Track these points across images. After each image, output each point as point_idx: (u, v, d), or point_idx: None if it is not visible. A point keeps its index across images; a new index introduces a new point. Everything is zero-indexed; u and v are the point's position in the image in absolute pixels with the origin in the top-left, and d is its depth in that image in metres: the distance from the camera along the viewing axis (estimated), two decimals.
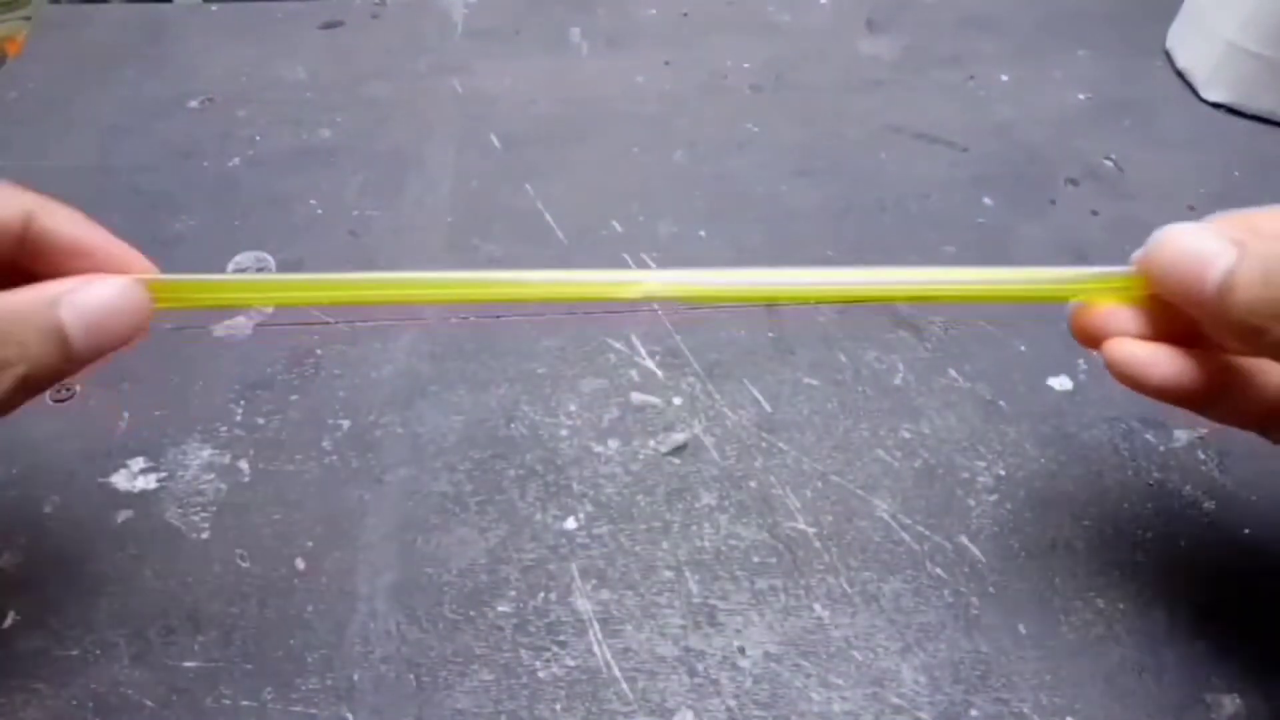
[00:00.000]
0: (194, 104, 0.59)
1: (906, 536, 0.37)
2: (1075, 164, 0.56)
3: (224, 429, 0.41)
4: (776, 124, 0.59)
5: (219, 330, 0.45)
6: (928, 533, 0.37)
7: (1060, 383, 0.43)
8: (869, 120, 0.59)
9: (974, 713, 0.32)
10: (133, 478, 0.39)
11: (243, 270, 0.48)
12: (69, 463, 0.39)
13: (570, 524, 0.37)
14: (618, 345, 0.44)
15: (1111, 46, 0.65)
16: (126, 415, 0.41)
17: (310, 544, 0.37)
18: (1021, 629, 0.34)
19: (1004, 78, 0.63)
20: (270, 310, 0.46)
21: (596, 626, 0.34)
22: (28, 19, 0.72)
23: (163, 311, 0.28)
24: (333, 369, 0.43)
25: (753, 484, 0.39)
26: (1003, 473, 0.39)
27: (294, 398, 0.42)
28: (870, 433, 0.41)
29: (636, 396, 0.42)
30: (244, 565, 0.36)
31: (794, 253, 0.49)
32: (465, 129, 0.58)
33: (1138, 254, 0.28)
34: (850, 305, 0.46)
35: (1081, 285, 0.32)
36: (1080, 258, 0.49)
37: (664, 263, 0.48)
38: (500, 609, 0.35)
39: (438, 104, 0.60)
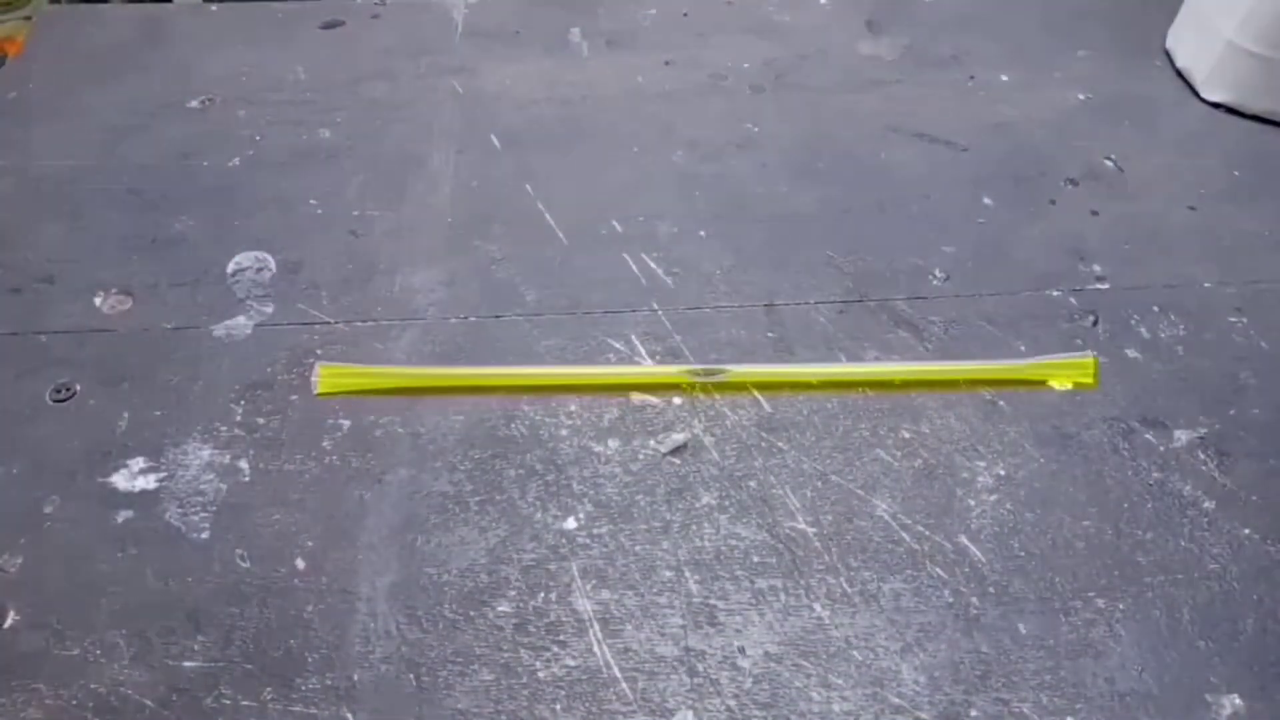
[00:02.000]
0: (194, 104, 0.59)
1: (906, 536, 0.37)
2: (1075, 164, 0.55)
3: (224, 429, 0.41)
4: (776, 124, 0.59)
5: (219, 330, 0.45)
6: (928, 533, 0.37)
7: (1060, 382, 0.43)
8: (869, 120, 0.59)
9: (974, 713, 0.32)
10: (133, 478, 0.39)
11: (243, 270, 0.48)
12: (69, 463, 0.39)
13: (570, 524, 0.37)
14: (618, 345, 0.44)
15: (1111, 46, 0.65)
16: (126, 415, 0.41)
17: (310, 544, 0.37)
18: (1021, 629, 0.34)
19: (1004, 78, 0.63)
20: (270, 310, 0.46)
21: (596, 626, 0.34)
22: (28, 19, 0.72)
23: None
24: None
25: (753, 484, 0.39)
26: (1003, 473, 0.39)
27: (294, 398, 0.42)
28: (870, 433, 0.41)
29: (636, 397, 0.42)
30: (244, 565, 0.36)
31: (794, 253, 0.49)
32: (465, 129, 0.58)
33: None
34: (850, 305, 0.47)
35: (1040, 370, 0.41)
36: (1080, 258, 0.49)
37: (664, 263, 0.48)
38: (500, 609, 0.35)
39: (438, 104, 0.60)
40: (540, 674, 0.33)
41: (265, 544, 0.36)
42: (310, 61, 0.63)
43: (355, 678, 0.33)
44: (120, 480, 0.39)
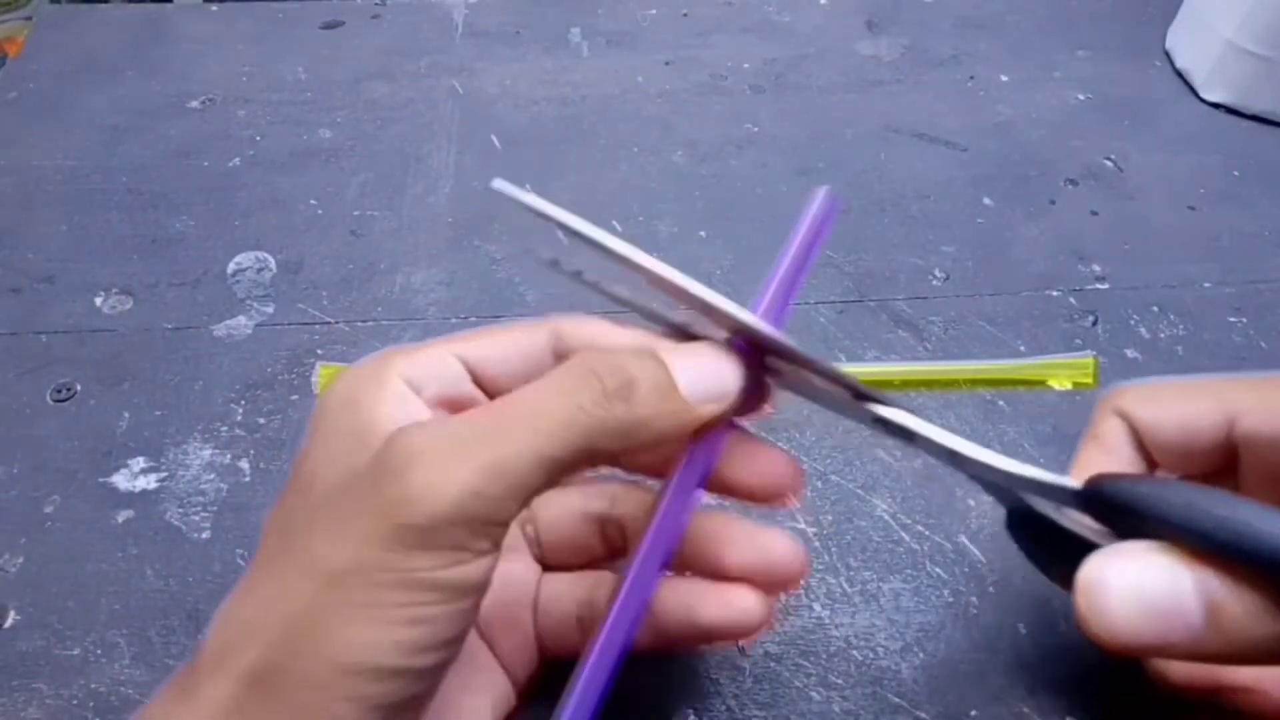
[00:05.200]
0: (194, 104, 0.59)
1: (906, 536, 0.37)
2: (1075, 164, 0.56)
3: (224, 429, 0.41)
4: (776, 124, 0.59)
5: (219, 330, 0.45)
6: (927, 533, 0.37)
7: (1059, 382, 0.43)
8: (869, 120, 0.59)
9: (973, 713, 0.32)
10: (133, 478, 0.39)
11: (243, 270, 0.48)
12: (69, 463, 0.39)
13: None
14: None
15: (1111, 46, 0.65)
16: (126, 415, 0.41)
17: None
18: (1021, 629, 0.34)
19: (1004, 78, 0.63)
20: (270, 310, 0.46)
21: None
22: (28, 19, 0.72)
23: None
24: None
25: None
26: None
27: (294, 398, 0.42)
28: (870, 432, 0.41)
29: None
30: (244, 565, 0.36)
31: None
32: (465, 129, 0.58)
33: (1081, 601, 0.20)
34: (849, 305, 0.47)
35: (1040, 370, 0.40)
36: (1080, 258, 0.49)
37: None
38: None
39: (438, 104, 0.60)
40: (540, 672, 0.32)
41: None
42: (310, 61, 0.64)
43: None
44: (121, 480, 0.39)
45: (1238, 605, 0.18)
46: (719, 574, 0.27)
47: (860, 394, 0.26)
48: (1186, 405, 0.25)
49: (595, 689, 0.23)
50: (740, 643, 0.32)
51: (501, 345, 0.27)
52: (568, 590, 0.29)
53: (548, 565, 0.30)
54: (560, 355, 0.27)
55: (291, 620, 0.21)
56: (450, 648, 0.22)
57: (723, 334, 0.27)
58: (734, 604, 0.26)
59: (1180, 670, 0.27)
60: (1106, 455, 0.27)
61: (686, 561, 0.27)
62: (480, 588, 0.22)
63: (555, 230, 0.25)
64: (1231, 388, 0.25)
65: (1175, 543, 0.19)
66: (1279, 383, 0.25)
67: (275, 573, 0.22)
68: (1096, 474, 0.22)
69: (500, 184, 0.24)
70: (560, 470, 0.22)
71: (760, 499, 0.27)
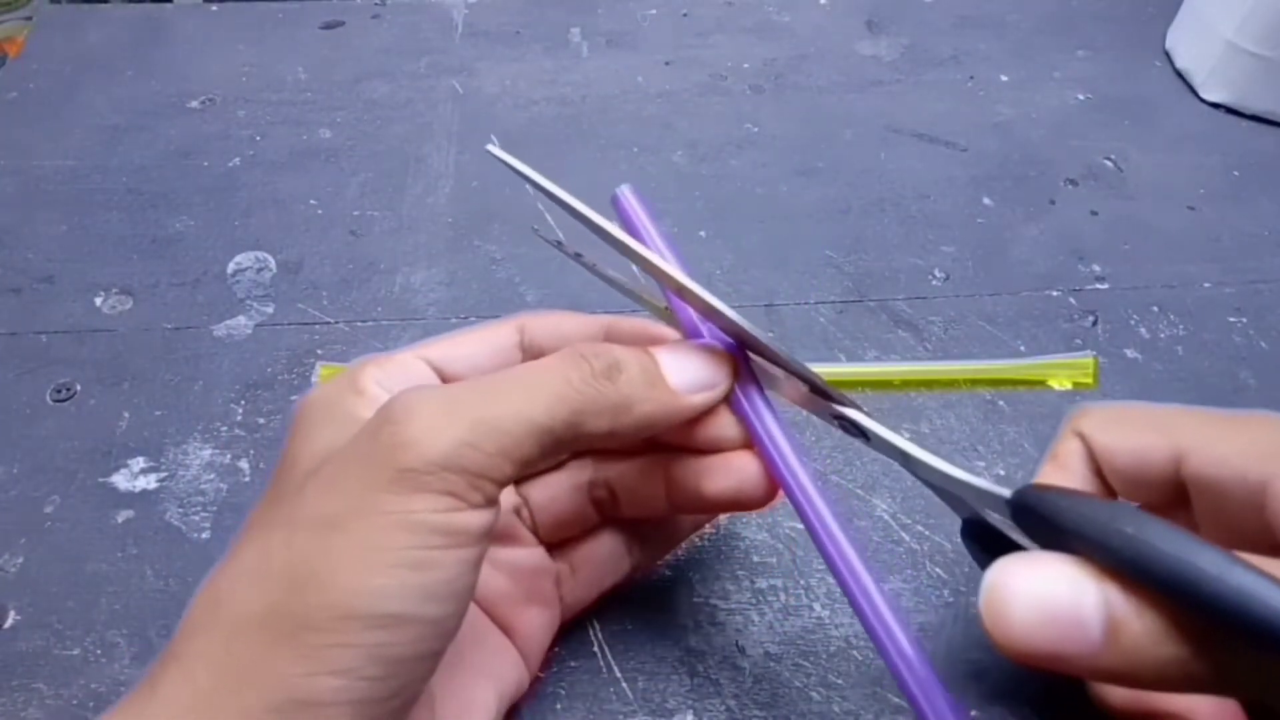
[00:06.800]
0: (194, 104, 0.59)
1: (906, 536, 0.37)
2: (1075, 164, 0.56)
3: (224, 429, 0.41)
4: (776, 124, 0.59)
5: (219, 330, 0.45)
6: (928, 533, 0.37)
7: (1059, 382, 0.43)
8: (869, 120, 0.59)
9: (974, 713, 0.32)
10: (133, 478, 0.39)
11: (243, 270, 0.48)
12: (69, 463, 0.39)
13: None
14: None
15: (1111, 46, 0.65)
16: (126, 415, 0.41)
17: None
18: None
19: (1004, 78, 0.63)
20: (270, 310, 0.46)
21: (596, 626, 0.34)
22: (28, 19, 0.72)
23: None
24: None
25: None
26: (1003, 473, 0.39)
27: (294, 398, 0.42)
28: None
29: None
30: None
31: (794, 253, 0.49)
32: (465, 129, 0.58)
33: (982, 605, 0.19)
34: (849, 305, 0.47)
35: (1040, 370, 0.40)
36: (1079, 258, 0.49)
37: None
38: None
39: (438, 104, 0.60)
40: (539, 674, 0.32)
41: None
42: (310, 61, 0.64)
43: None
44: (121, 480, 0.39)
45: (1138, 625, 0.17)
46: (703, 504, 0.28)
47: (818, 390, 0.27)
48: (1139, 436, 0.25)
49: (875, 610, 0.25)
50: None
51: (467, 346, 0.28)
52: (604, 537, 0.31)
53: (549, 545, 0.31)
54: (527, 350, 0.28)
55: (292, 567, 0.21)
56: (455, 602, 0.22)
57: (698, 312, 0.28)
58: (734, 468, 0.27)
59: (1118, 695, 0.27)
60: (1064, 476, 0.27)
61: (674, 500, 0.29)
62: (480, 539, 0.22)
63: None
64: (1184, 422, 0.25)
65: (1087, 557, 0.18)
66: (1229, 422, 0.24)
67: (266, 532, 0.22)
68: (1026, 485, 0.22)
69: (494, 148, 0.26)
70: (551, 441, 0.23)
71: (740, 506, 0.28)
